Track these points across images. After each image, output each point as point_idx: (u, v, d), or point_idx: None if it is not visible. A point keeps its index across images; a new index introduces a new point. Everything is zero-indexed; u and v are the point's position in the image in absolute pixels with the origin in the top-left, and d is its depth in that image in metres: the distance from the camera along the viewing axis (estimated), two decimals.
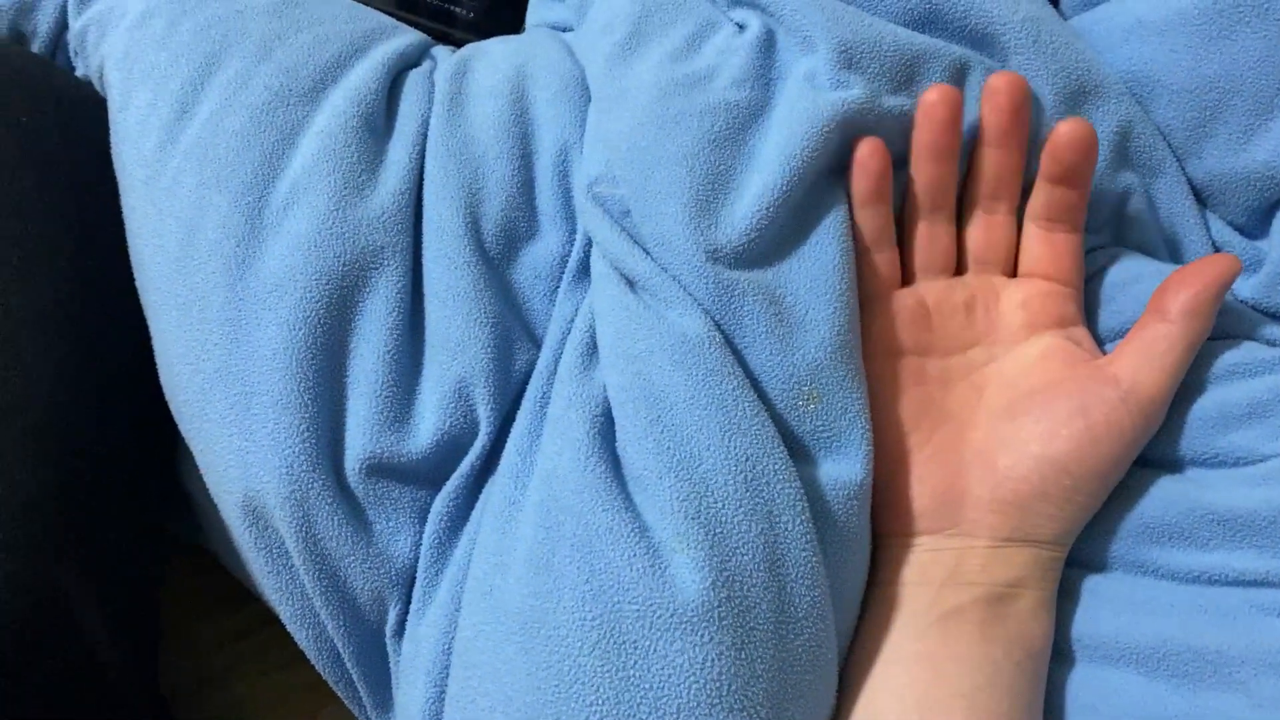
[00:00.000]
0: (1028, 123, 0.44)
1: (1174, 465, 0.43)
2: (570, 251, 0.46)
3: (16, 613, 0.41)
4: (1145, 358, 0.41)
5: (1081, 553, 0.42)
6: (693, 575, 0.36)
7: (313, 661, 0.45)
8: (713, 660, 0.35)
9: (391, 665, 0.43)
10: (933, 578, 0.41)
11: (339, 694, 0.45)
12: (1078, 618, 0.41)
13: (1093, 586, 0.42)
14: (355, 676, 0.43)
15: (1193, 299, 0.41)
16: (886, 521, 0.42)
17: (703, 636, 0.36)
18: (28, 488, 0.42)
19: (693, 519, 0.37)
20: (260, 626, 0.62)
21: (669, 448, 0.38)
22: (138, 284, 0.47)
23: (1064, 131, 0.42)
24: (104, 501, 0.45)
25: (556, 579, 0.37)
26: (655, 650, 0.36)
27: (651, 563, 0.36)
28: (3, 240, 0.46)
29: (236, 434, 0.42)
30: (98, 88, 0.53)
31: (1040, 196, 0.44)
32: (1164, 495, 0.42)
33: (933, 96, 0.43)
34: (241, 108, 0.47)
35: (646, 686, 0.35)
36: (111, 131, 0.49)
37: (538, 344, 0.45)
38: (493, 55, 0.52)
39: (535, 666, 0.36)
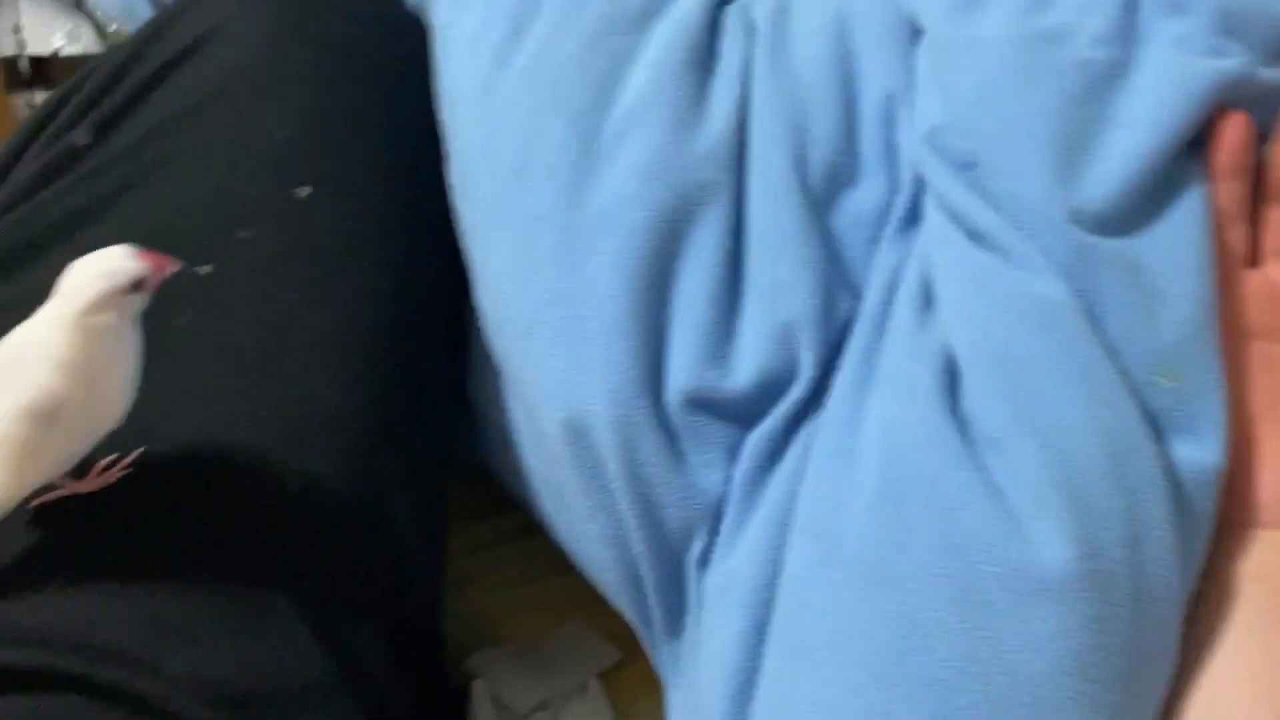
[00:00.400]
0: None
1: None
2: (893, 201, 0.46)
3: (345, 513, 0.43)
4: None
5: None
6: (1057, 544, 0.36)
7: (608, 582, 0.46)
8: (1073, 632, 0.35)
9: (690, 593, 0.44)
10: (1272, 573, 0.39)
11: (629, 614, 0.46)
12: None
13: None
14: (653, 601, 0.44)
15: None
16: (1228, 510, 0.40)
17: (1065, 607, 0.35)
18: (357, 398, 0.44)
19: (1058, 487, 0.36)
20: (508, 539, 0.64)
21: (1028, 413, 0.37)
22: (459, 200, 0.48)
23: None
24: (418, 411, 0.47)
25: (906, 531, 0.37)
26: (1014, 614, 0.35)
27: (1010, 526, 0.36)
28: (331, 153, 0.47)
29: (565, 355, 0.43)
30: (411, 2, 0.54)
31: None
32: None
33: None
34: (574, 32, 0.47)
35: (1002, 649, 0.35)
36: (437, 45, 0.50)
37: (855, 292, 0.45)
38: None
39: (880, 614, 0.36)
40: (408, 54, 0.51)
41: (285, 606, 0.41)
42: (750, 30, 0.50)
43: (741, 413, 0.43)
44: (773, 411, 0.43)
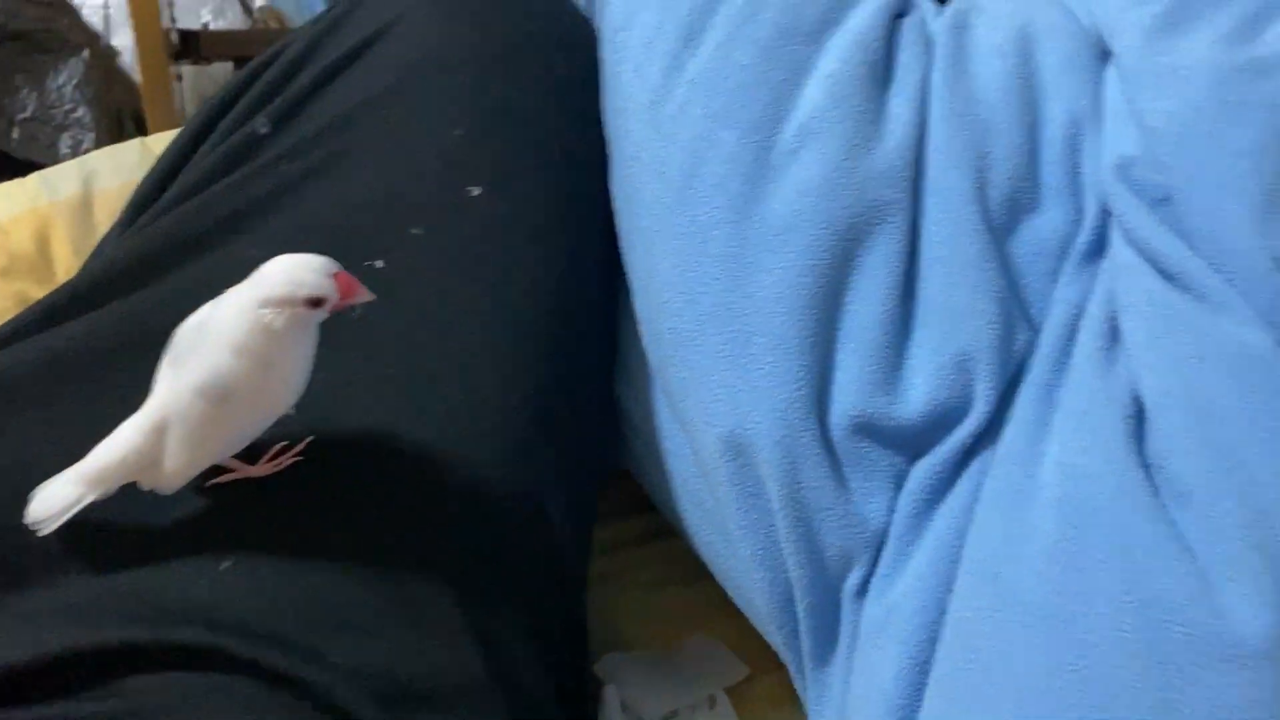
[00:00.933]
0: None
1: None
2: (1076, 231, 0.44)
3: (502, 509, 0.43)
4: None
5: None
6: (1253, 610, 0.34)
7: (758, 605, 0.45)
8: (1266, 702, 0.33)
9: (843, 622, 0.43)
10: None
11: (775, 638, 0.45)
12: None
13: None
14: (803, 625, 0.43)
15: None
16: None
17: (1259, 675, 0.34)
18: (518, 395, 0.44)
19: (1255, 549, 0.35)
20: (637, 542, 0.64)
21: (1226, 469, 0.36)
22: (623, 204, 0.48)
23: None
24: (574, 412, 0.47)
25: (1088, 581, 0.36)
26: (1203, 680, 0.34)
27: (1202, 587, 0.35)
28: (502, 153, 0.47)
29: (730, 370, 0.43)
30: (580, 3, 0.54)
31: None
32: None
33: None
34: (749, 42, 0.46)
35: (1188, 713, 0.34)
36: (607, 50, 0.50)
37: (1033, 324, 0.43)
38: (992, 11, 0.50)
39: (1058, 665, 0.35)
40: (577, 57, 0.51)
41: (441, 600, 0.41)
42: (928, 45, 0.48)
43: (909, 442, 0.42)
44: (943, 443, 0.42)
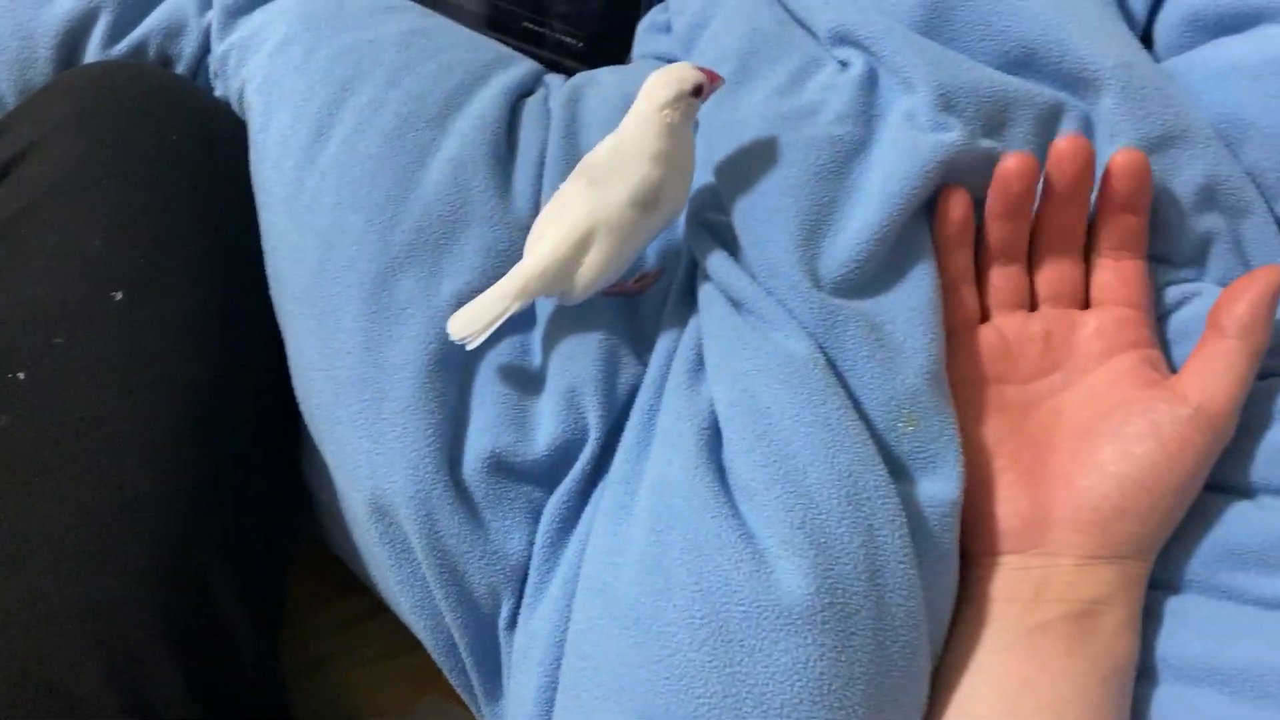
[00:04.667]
0: (1092, 179, 0.46)
1: (1250, 494, 0.44)
2: (676, 274, 0.49)
3: (165, 596, 0.45)
4: (1208, 374, 0.43)
5: (1166, 575, 0.44)
6: (798, 580, 0.39)
7: (430, 650, 0.48)
8: (815, 661, 0.38)
9: (503, 656, 0.46)
10: (1020, 595, 0.43)
11: (452, 682, 0.48)
12: (1162, 639, 0.43)
13: (1177, 608, 0.43)
14: (469, 665, 0.46)
15: (1247, 311, 0.43)
16: (974, 541, 0.44)
17: (806, 638, 0.38)
18: (170, 483, 0.46)
19: (798, 529, 0.39)
20: (364, 617, 0.66)
21: (775, 461, 0.41)
22: (273, 293, 0.51)
23: (1120, 163, 0.45)
24: (240, 494, 0.49)
25: (667, 579, 0.40)
26: (761, 649, 0.38)
27: (758, 567, 0.39)
28: (157, 249, 0.49)
29: (366, 436, 0.46)
30: (235, 109, 0.57)
31: (1104, 228, 0.46)
32: (1245, 521, 0.43)
33: (1010, 166, 0.45)
34: (374, 132, 0.50)
35: (752, 683, 0.38)
36: (252, 150, 0.53)
37: (643, 360, 0.48)
38: (604, 84, 0.55)
39: (646, 660, 0.39)
40: (229, 157, 0.54)
41: (99, 693, 0.42)
42: (546, 120, 0.53)
43: (540, 477, 0.46)
44: (568, 475, 0.46)
